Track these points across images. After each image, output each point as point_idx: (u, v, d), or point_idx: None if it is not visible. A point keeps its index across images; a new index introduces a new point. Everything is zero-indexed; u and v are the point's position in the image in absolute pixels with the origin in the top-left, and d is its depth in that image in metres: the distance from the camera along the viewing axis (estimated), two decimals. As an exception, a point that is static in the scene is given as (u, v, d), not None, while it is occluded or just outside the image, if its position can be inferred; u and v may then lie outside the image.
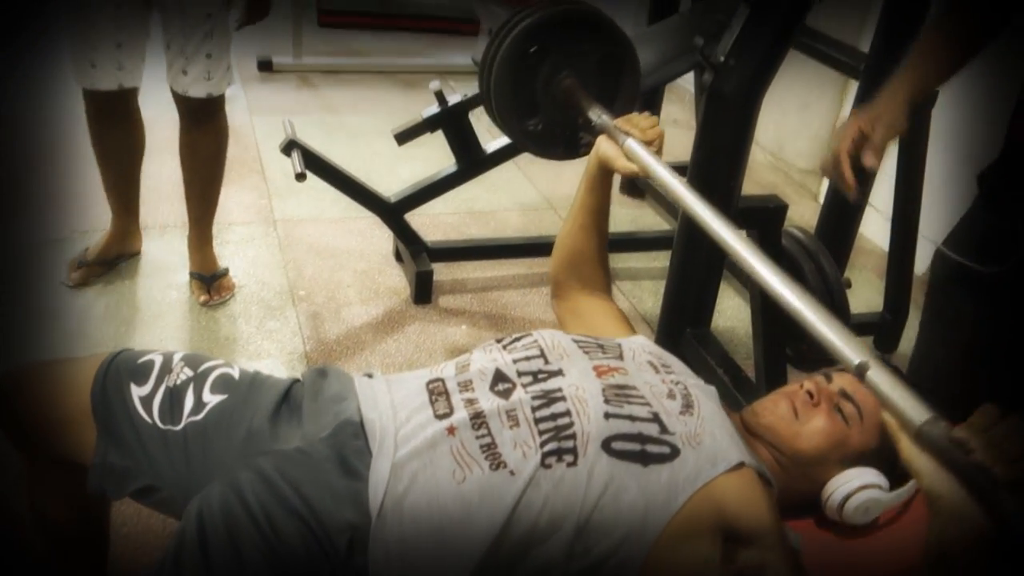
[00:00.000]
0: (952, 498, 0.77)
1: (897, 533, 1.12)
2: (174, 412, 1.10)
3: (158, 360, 1.15)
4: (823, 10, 1.84)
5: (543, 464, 0.96)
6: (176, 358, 1.16)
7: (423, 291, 2.49)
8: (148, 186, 2.48)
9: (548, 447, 0.97)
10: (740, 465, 1.01)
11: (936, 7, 1.31)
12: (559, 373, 1.07)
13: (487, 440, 0.99)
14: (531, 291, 2.62)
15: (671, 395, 1.07)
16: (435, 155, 2.63)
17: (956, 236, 1.36)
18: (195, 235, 2.38)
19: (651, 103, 3.03)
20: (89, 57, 2.06)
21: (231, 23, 2.09)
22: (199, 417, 1.09)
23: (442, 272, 2.59)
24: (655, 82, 2.36)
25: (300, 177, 2.13)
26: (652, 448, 0.99)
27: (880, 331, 2.41)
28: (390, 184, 2.58)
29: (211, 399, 1.11)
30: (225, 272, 2.43)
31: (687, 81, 3.34)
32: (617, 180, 1.59)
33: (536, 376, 1.07)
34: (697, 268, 1.95)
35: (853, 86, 2.53)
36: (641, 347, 1.18)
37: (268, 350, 2.22)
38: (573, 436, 0.98)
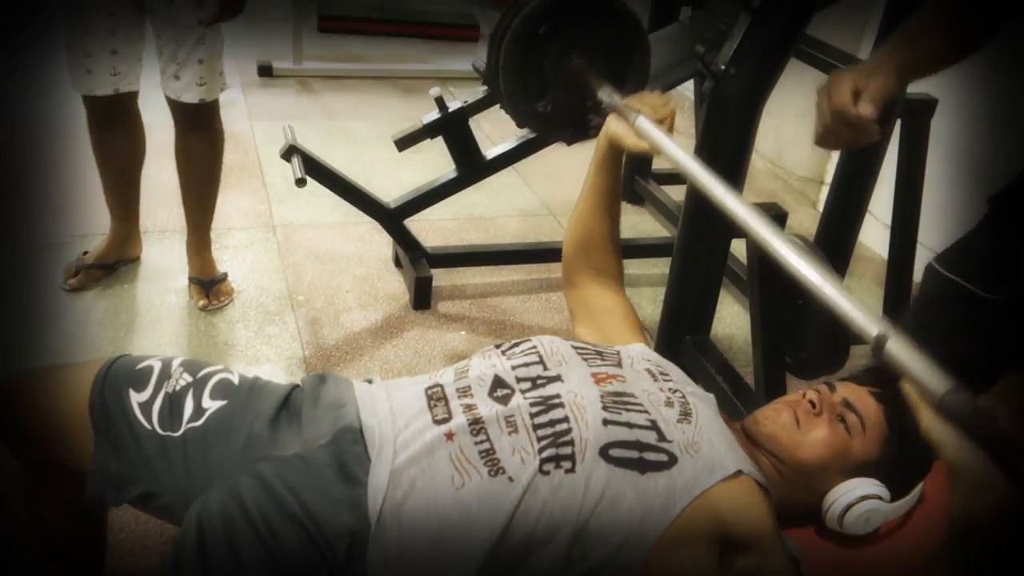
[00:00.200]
0: (976, 469, 0.75)
1: (897, 544, 1.12)
2: (173, 418, 1.09)
3: (157, 366, 1.15)
4: (823, 18, 1.84)
5: (541, 470, 0.96)
6: (175, 363, 1.16)
7: (422, 297, 2.49)
8: (148, 190, 2.48)
9: (546, 453, 0.97)
10: (738, 473, 1.01)
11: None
12: (558, 379, 1.07)
13: (486, 446, 0.99)
14: (530, 297, 2.62)
15: (669, 403, 1.07)
16: (435, 161, 2.63)
17: (953, 256, 1.32)
18: (193, 240, 2.38)
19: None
20: (84, 64, 2.07)
21: (223, 28, 2.09)
22: (199, 423, 1.09)
23: (441, 278, 2.58)
24: (655, 89, 2.36)
25: (300, 182, 2.13)
26: (650, 455, 0.99)
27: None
28: (390, 190, 2.58)
29: (211, 405, 1.11)
30: (224, 277, 2.43)
31: (687, 89, 3.34)
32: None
33: (535, 382, 1.07)
34: (697, 275, 1.96)
35: (853, 94, 2.53)
36: (639, 355, 1.18)
37: (267, 355, 2.22)
38: (571, 443, 0.98)
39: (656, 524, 0.96)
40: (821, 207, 2.74)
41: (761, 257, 1.77)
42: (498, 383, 1.07)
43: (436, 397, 1.06)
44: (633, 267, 2.80)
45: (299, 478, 0.98)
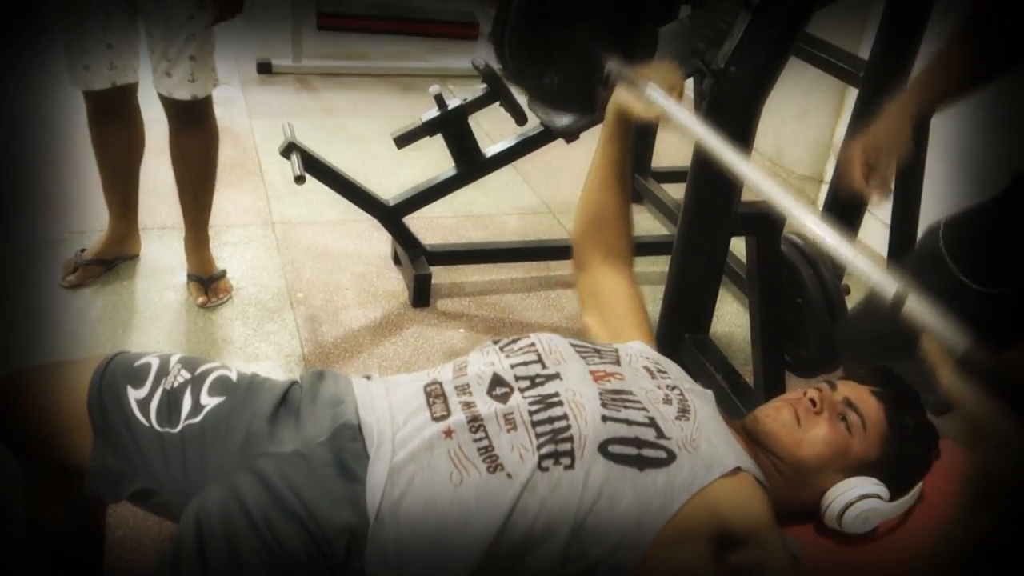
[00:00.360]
0: (997, 425, 0.74)
1: (896, 543, 1.12)
2: (171, 415, 1.09)
3: (155, 363, 1.15)
4: (823, 17, 1.84)
5: (540, 467, 0.96)
6: (173, 360, 1.15)
7: (421, 294, 2.49)
8: (147, 187, 2.48)
9: (545, 450, 0.97)
10: (736, 470, 1.01)
11: (956, 24, 1.24)
12: (556, 377, 1.07)
13: (485, 443, 0.99)
14: (529, 295, 2.62)
15: (667, 400, 1.07)
16: (434, 158, 2.63)
17: (956, 232, 1.30)
18: (191, 237, 2.38)
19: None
20: (81, 61, 2.08)
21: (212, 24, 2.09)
22: (197, 420, 1.08)
23: (440, 275, 2.58)
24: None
25: (299, 180, 2.12)
26: (648, 452, 0.99)
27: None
28: (389, 187, 2.58)
29: (209, 401, 1.10)
30: (223, 274, 2.42)
31: (687, 87, 3.34)
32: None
33: (533, 381, 1.07)
34: (696, 273, 1.95)
35: (852, 93, 2.53)
36: (638, 352, 1.18)
37: (266, 352, 2.21)
38: (570, 439, 0.98)
39: (654, 521, 0.96)
40: (820, 206, 2.74)
41: (761, 252, 1.78)
42: (497, 381, 1.07)
43: (435, 394, 1.06)
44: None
45: (299, 475, 0.98)
